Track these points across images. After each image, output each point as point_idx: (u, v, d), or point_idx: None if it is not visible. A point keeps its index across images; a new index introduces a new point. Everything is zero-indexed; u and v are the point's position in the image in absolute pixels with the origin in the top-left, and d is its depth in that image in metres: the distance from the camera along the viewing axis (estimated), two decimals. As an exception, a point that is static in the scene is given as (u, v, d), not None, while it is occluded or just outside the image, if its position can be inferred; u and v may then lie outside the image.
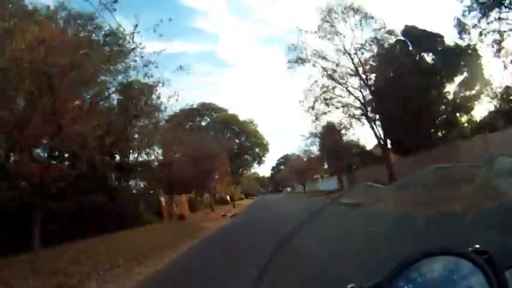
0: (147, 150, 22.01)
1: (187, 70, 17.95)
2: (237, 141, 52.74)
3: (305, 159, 54.76)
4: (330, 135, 43.25)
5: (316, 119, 26.12)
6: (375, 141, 35.19)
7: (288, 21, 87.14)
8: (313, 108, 24.80)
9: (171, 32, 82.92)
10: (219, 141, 29.11)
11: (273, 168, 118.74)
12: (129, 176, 20.09)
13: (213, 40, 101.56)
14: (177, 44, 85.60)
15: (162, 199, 23.51)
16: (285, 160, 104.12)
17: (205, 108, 52.49)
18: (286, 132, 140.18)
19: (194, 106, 48.80)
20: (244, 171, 61.65)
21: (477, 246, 0.76)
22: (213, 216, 25.26)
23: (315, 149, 39.49)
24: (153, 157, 22.20)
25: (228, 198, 46.38)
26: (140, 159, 22.67)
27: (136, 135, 20.69)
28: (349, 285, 0.82)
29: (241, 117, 53.05)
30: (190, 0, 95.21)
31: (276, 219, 14.12)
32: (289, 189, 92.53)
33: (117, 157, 20.45)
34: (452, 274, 0.73)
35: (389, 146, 26.76)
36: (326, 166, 59.65)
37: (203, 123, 49.91)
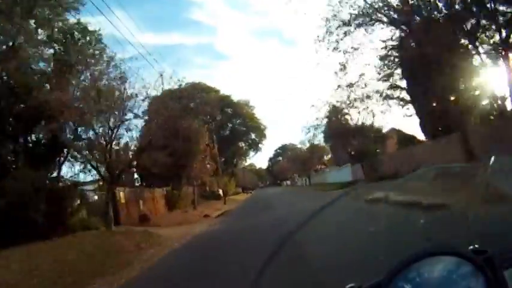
0: (95, 122, 15.17)
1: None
2: (230, 125, 45.86)
3: (305, 148, 48.31)
4: (337, 116, 37.04)
5: (344, 62, 18.48)
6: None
7: (287, 14, 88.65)
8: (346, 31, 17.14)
9: (169, 24, 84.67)
10: (200, 113, 22.17)
11: (270, 159, 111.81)
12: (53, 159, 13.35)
13: (211, 33, 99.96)
14: (176, 37, 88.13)
15: (121, 194, 16.81)
16: (283, 151, 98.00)
17: (195, 89, 45.47)
18: (283, 126, 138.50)
19: (182, 86, 41.94)
20: (240, 162, 54.82)
21: (476, 246, 0.76)
22: (192, 216, 18.57)
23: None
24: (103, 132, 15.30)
25: (221, 192, 39.73)
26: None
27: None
28: (349, 285, 0.81)
29: (235, 98, 46.04)
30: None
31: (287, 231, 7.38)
32: (288, 182, 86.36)
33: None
34: (452, 274, 0.72)
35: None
36: (330, 155, 53.40)
37: (192, 105, 42.94)
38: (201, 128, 21.36)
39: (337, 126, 36.68)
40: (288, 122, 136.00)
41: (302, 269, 3.80)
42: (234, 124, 45.82)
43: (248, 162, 75.50)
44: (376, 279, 0.75)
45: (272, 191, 51.29)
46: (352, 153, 33.97)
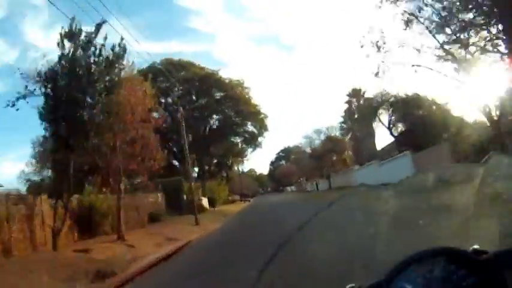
0: None
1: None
2: (218, 114, 34.64)
3: (320, 142, 37.09)
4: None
5: None
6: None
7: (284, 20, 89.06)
8: None
9: (167, 32, 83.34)
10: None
11: (271, 163, 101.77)
12: None
13: (209, 40, 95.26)
14: (174, 45, 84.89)
15: None
16: (286, 154, 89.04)
17: (174, 67, 34.38)
18: (284, 132, 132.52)
19: (157, 63, 30.91)
20: (235, 163, 43.37)
21: (477, 246, 0.76)
22: (76, 267, 7.20)
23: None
24: None
25: (205, 202, 28.35)
26: None
27: None
28: (349, 285, 0.81)
29: (226, 76, 34.82)
30: (187, 1, 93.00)
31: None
32: (293, 187, 75.81)
33: None
34: (452, 274, 0.72)
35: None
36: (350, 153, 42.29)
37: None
38: (133, 79, 10.21)
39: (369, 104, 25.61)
40: (288, 127, 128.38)
41: (302, 269, 3.76)
42: (224, 113, 34.58)
43: (247, 166, 64.59)
44: (376, 279, 0.74)
45: (275, 198, 39.89)
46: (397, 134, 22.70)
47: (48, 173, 18.87)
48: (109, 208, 12.30)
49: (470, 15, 15.72)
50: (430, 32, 17.56)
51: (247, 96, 34.14)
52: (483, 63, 16.39)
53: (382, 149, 32.07)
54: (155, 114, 13.92)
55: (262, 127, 35.90)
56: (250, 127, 36.06)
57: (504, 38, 15.01)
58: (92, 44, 9.91)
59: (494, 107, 16.02)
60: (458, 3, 15.95)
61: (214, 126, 34.72)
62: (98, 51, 9.76)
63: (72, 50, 9.83)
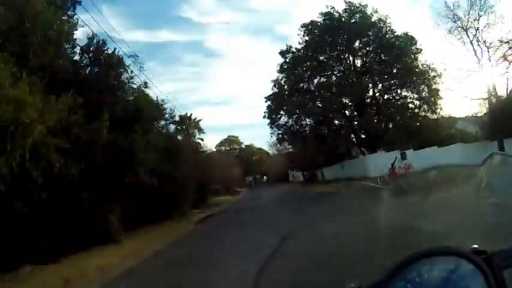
0: None
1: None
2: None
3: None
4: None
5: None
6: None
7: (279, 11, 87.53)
8: None
9: (158, 21, 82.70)
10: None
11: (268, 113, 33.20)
12: None
13: (202, 30, 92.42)
14: (165, 33, 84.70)
15: None
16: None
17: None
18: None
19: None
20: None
21: (476, 246, 0.76)
22: None
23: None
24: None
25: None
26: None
27: None
28: (349, 285, 0.81)
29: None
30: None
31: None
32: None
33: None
34: (451, 274, 0.72)
35: None
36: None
37: None
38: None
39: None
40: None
41: (302, 269, 3.72)
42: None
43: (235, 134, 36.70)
44: (376, 279, 0.74)
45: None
46: None
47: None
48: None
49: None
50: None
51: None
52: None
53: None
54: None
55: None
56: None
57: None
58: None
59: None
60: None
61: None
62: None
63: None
